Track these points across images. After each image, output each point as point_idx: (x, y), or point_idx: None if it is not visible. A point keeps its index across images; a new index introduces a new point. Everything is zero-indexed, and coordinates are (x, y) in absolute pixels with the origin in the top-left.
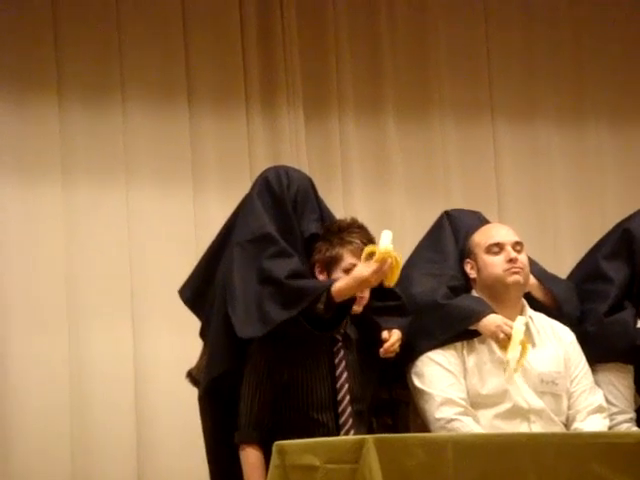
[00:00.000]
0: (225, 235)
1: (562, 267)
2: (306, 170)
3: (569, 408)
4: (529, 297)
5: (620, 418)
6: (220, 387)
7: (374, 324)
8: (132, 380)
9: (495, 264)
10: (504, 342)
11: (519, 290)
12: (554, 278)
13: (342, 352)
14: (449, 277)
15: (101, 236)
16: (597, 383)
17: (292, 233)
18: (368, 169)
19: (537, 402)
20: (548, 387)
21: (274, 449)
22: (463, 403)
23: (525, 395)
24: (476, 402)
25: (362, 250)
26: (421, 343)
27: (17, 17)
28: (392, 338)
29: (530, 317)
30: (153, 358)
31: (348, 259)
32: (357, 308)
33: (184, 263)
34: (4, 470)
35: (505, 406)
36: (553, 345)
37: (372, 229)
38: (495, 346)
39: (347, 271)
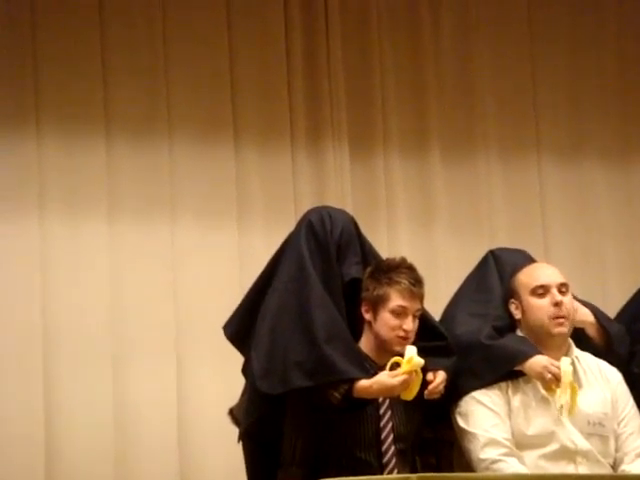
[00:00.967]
0: (270, 273)
1: (610, 305)
2: (350, 206)
3: (616, 450)
4: (575, 335)
5: None
6: (260, 428)
7: (422, 368)
8: (175, 418)
9: (540, 308)
10: (551, 383)
11: (564, 338)
12: (607, 318)
13: None
14: (494, 317)
15: (145, 273)
16: None
17: (333, 278)
18: (413, 205)
19: (584, 444)
20: (595, 429)
21: None
22: (507, 444)
23: (572, 436)
24: (522, 443)
25: (410, 291)
26: (466, 383)
27: (64, 50)
28: (437, 380)
29: (576, 357)
30: (197, 394)
31: (395, 300)
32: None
33: (228, 300)
34: None
35: (552, 447)
36: (600, 386)
37: (416, 266)
38: (540, 386)
39: (393, 312)
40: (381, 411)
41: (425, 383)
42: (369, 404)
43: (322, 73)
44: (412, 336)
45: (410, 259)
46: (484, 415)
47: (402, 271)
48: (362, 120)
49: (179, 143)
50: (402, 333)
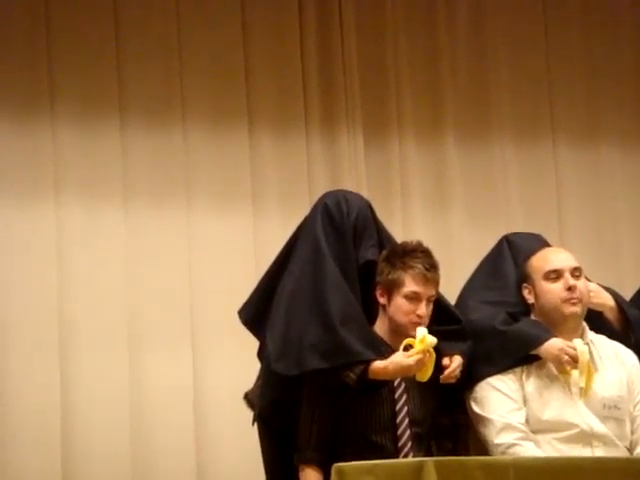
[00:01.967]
0: (285, 257)
1: (624, 290)
2: (365, 192)
3: (632, 433)
4: (589, 318)
5: None
6: (275, 411)
7: (435, 349)
8: (191, 403)
9: (553, 292)
10: (567, 365)
11: (577, 320)
12: (626, 302)
13: None
14: (508, 304)
15: (161, 257)
16: None
17: (349, 260)
18: (428, 191)
19: (600, 427)
20: (611, 412)
21: (333, 471)
22: (523, 428)
23: (588, 420)
24: (537, 427)
25: (424, 276)
26: (481, 369)
27: (79, 35)
28: (453, 364)
29: (591, 340)
30: (213, 379)
31: (409, 285)
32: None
33: (244, 284)
34: None
35: (568, 431)
36: (615, 368)
37: (432, 251)
38: (554, 370)
39: (406, 297)
40: (396, 395)
41: (441, 368)
42: (384, 386)
43: (336, 62)
44: (426, 321)
45: (425, 244)
46: (500, 401)
47: (417, 255)
48: (377, 104)
49: (194, 128)
50: (416, 318)
